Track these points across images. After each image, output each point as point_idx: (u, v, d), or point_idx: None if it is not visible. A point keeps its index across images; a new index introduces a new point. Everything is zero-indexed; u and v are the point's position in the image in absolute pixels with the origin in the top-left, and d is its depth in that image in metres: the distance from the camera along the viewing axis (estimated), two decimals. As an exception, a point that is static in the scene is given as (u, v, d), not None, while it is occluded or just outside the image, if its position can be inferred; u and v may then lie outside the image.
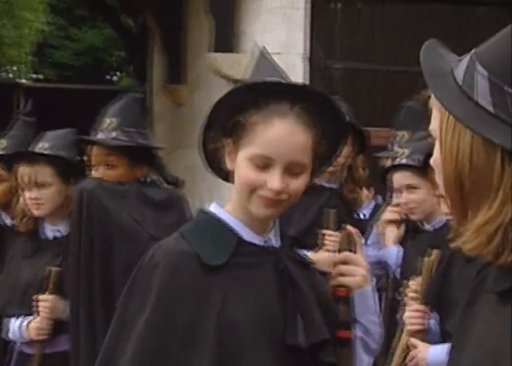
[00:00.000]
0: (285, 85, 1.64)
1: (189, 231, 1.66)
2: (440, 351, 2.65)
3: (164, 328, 1.56)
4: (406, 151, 3.22)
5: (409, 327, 2.76)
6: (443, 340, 2.69)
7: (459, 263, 2.65)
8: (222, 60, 6.37)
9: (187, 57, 8.58)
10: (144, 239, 2.95)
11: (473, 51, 1.22)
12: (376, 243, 3.64)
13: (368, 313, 1.70)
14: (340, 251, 1.68)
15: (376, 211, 3.88)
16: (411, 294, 2.80)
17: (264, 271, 1.62)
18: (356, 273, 1.64)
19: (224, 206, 1.69)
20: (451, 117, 1.19)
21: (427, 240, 3.04)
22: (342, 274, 1.65)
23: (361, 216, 3.84)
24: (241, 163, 1.60)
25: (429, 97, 1.26)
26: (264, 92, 1.59)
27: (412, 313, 2.76)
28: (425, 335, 2.75)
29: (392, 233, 3.53)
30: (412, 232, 3.31)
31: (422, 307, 2.74)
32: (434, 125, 1.25)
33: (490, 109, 1.16)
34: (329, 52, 6.62)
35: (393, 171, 3.24)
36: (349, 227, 1.71)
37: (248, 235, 1.63)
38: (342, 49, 6.65)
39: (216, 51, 6.50)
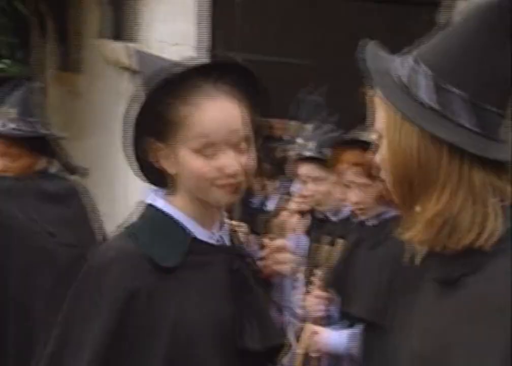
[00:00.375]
0: (202, 65, 1.55)
1: (138, 230, 1.57)
2: (341, 335, 2.72)
3: (119, 334, 1.49)
4: (311, 144, 3.27)
5: (311, 313, 2.82)
6: (344, 324, 2.75)
7: (363, 250, 2.74)
8: (119, 49, 6.28)
9: (82, 45, 8.42)
10: (40, 238, 2.90)
11: (415, 51, 1.28)
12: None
13: (295, 297, 1.73)
14: (272, 238, 1.67)
15: (281, 202, 3.93)
16: (317, 282, 2.86)
17: (217, 271, 1.57)
18: (290, 260, 1.66)
19: (171, 200, 1.60)
20: (398, 115, 1.24)
21: (333, 230, 3.12)
22: (277, 262, 1.64)
23: (266, 207, 3.88)
24: (187, 159, 1.52)
25: (372, 96, 1.31)
26: (182, 81, 1.52)
27: (313, 300, 2.82)
28: (327, 321, 2.81)
29: (298, 224, 3.58)
30: (318, 223, 3.38)
31: (323, 293, 2.80)
32: (380, 124, 1.29)
33: (436, 106, 1.22)
34: (229, 44, 6.63)
35: (299, 163, 3.30)
36: (286, 214, 1.74)
37: (200, 233, 1.57)
38: (241, 41, 6.68)
39: (113, 40, 6.41)
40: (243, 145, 1.53)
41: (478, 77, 1.22)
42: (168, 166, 1.56)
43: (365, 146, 2.62)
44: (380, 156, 1.31)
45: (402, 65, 1.27)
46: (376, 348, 2.55)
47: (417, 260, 1.35)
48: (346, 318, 2.74)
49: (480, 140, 1.22)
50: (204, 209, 1.57)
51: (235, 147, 1.52)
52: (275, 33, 6.77)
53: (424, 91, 1.23)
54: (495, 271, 1.19)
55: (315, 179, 3.22)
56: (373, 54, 1.31)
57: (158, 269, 1.51)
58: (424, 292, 1.31)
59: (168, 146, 1.54)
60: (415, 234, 1.26)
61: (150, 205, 1.60)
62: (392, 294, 2.51)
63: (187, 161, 1.52)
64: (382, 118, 1.29)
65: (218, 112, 1.51)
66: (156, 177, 1.61)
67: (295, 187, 3.47)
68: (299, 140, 3.53)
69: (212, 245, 1.58)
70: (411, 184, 1.26)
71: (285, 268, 1.65)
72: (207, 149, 1.51)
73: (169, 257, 1.52)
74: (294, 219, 3.60)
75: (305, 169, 3.26)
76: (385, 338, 2.48)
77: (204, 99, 1.51)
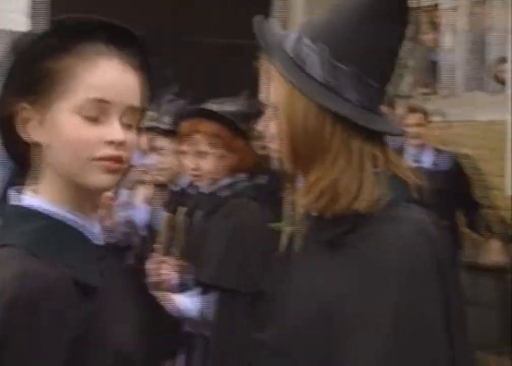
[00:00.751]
0: (94, 22, 1.28)
1: (38, 244, 1.20)
2: (194, 301, 2.78)
3: None
4: (166, 117, 3.31)
5: (152, 278, 2.82)
6: (197, 291, 2.82)
7: (214, 219, 2.82)
8: None
9: None
10: None
11: (303, 27, 1.37)
12: (125, 203, 3.73)
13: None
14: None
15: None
16: (159, 249, 2.93)
17: (115, 275, 1.32)
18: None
19: (42, 192, 1.27)
20: (288, 87, 1.33)
21: (189, 201, 3.16)
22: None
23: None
24: (63, 121, 1.22)
25: (262, 68, 1.39)
26: (67, 33, 1.25)
27: (153, 265, 2.83)
28: (180, 288, 2.86)
29: (141, 194, 3.63)
30: (174, 195, 3.40)
31: (177, 261, 2.86)
32: (274, 96, 1.37)
33: (321, 79, 1.32)
34: (67, 11, 6.46)
35: (155, 136, 3.33)
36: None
37: (93, 233, 1.29)
38: (78, 9, 6.54)
39: None
40: (129, 119, 1.27)
41: (364, 54, 1.32)
42: (36, 134, 1.25)
43: (217, 117, 2.72)
44: (274, 127, 1.38)
45: (292, 40, 1.35)
46: (232, 312, 2.66)
47: (297, 224, 1.44)
48: (198, 285, 2.80)
49: (362, 112, 1.32)
50: (81, 197, 1.27)
51: (122, 119, 1.25)
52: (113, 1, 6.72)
53: (311, 65, 1.32)
54: (373, 233, 1.29)
55: (158, 149, 3.28)
56: (266, 29, 1.37)
57: (82, 291, 1.20)
58: (310, 251, 1.39)
59: (40, 106, 1.25)
60: (299, 198, 1.36)
61: (23, 209, 1.25)
62: (245, 258, 2.66)
63: (62, 123, 1.23)
64: (276, 90, 1.35)
65: (113, 71, 1.25)
66: (18, 155, 1.30)
67: (151, 159, 3.52)
68: (150, 113, 3.62)
69: (105, 246, 1.31)
70: (299, 151, 1.34)
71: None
72: (94, 108, 1.23)
73: (90, 273, 1.23)
74: (138, 189, 3.63)
75: (161, 142, 3.30)
76: (245, 302, 2.64)
77: (97, 55, 1.25)
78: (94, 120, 1.23)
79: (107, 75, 1.24)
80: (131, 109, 1.27)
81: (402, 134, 1.42)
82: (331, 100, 1.32)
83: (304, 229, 1.43)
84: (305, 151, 1.34)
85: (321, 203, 1.34)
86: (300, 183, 1.38)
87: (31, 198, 1.26)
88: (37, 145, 1.26)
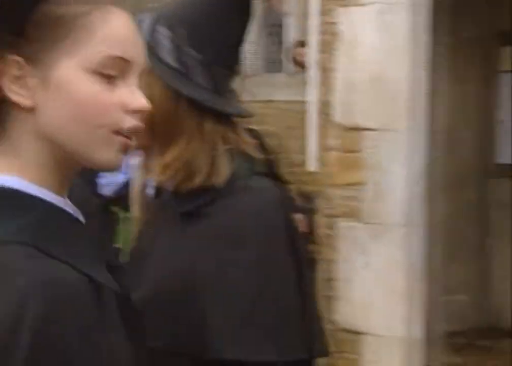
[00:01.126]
0: None
1: (46, 239, 0.93)
2: None
3: None
4: None
5: None
6: None
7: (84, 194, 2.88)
8: None
9: None
10: None
11: (155, 12, 1.45)
12: None
13: None
14: None
15: None
16: None
17: None
18: None
19: (11, 172, 0.96)
20: (145, 70, 1.40)
21: None
22: None
23: None
24: (75, 80, 0.96)
25: None
26: None
27: None
28: None
29: None
30: None
31: None
32: None
33: (174, 64, 1.42)
34: None
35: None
36: None
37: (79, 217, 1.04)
38: None
39: None
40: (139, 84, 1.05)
41: (212, 42, 1.43)
42: (30, 95, 0.97)
43: None
44: None
45: (146, 25, 1.43)
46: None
47: (153, 198, 1.53)
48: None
49: (212, 95, 1.43)
50: (65, 177, 1.01)
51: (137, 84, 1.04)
52: None
53: (164, 51, 1.41)
54: (228, 203, 1.42)
55: None
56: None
57: (95, 290, 0.95)
58: (163, 224, 1.49)
59: (39, 60, 0.97)
60: (156, 175, 1.45)
61: (19, 197, 0.95)
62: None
63: (75, 83, 0.97)
64: None
65: (130, 23, 1.02)
66: None
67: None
68: None
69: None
70: (155, 132, 1.42)
71: None
72: (112, 68, 0.98)
73: (108, 276, 1.00)
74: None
75: None
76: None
77: (112, 4, 1.01)
78: (112, 82, 0.99)
79: (127, 30, 1.01)
80: (142, 72, 1.05)
81: (250, 115, 1.52)
82: (184, 85, 1.41)
83: (158, 204, 1.52)
84: (162, 132, 1.43)
85: (177, 180, 1.43)
86: (156, 161, 1.46)
87: (10, 178, 0.96)
88: (25, 109, 0.97)
